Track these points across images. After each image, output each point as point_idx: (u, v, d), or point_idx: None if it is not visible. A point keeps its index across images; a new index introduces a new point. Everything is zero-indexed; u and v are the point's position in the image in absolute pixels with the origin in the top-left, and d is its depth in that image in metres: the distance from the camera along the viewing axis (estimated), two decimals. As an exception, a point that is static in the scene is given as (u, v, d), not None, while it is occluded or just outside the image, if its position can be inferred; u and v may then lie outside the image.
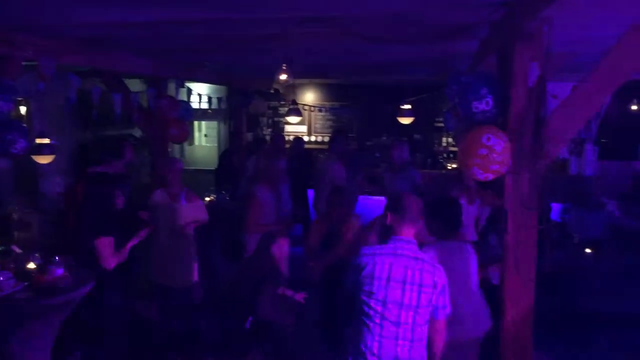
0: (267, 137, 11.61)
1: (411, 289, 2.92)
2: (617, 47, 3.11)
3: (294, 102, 9.31)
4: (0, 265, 3.91)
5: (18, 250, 4.27)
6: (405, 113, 8.55)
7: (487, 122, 3.40)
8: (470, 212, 5.62)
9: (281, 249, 5.16)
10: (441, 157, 11.28)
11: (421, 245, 3.33)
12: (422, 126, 11.06)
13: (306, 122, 11.96)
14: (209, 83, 10.34)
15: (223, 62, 7.40)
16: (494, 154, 3.19)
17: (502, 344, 3.51)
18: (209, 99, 8.60)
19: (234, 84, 9.70)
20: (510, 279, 3.42)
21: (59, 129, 7.62)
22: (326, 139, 11.84)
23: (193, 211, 5.21)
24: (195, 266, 5.24)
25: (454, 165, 10.49)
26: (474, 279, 3.74)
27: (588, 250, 6.34)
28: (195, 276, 5.25)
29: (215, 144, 12.97)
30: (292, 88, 11.33)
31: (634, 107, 8.99)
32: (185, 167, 5.62)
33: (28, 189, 7.31)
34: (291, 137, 10.02)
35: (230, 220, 6.84)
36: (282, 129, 11.94)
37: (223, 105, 10.49)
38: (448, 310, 3.09)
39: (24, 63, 4.77)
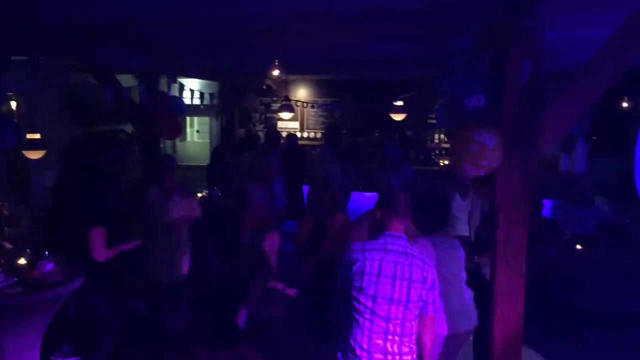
0: (260, 133, 11.60)
1: (401, 285, 2.93)
2: (609, 45, 3.12)
3: (287, 98, 9.31)
4: (-10, 260, 3.89)
5: (8, 246, 4.25)
6: (398, 109, 8.58)
7: (479, 119, 3.41)
8: (463, 207, 5.65)
9: (272, 243, 5.18)
10: (433, 153, 11.30)
11: (411, 240, 3.34)
12: (415, 122, 11.06)
13: (298, 118, 11.94)
14: (201, 79, 10.31)
15: (214, 57, 7.38)
16: (486, 150, 3.20)
17: (492, 338, 3.52)
18: (201, 94, 8.57)
19: (226, 79, 9.67)
20: (501, 274, 3.44)
21: (49, 124, 7.58)
22: (319, 135, 11.84)
23: (186, 208, 5.21)
24: (186, 261, 5.23)
25: (446, 162, 10.51)
26: (463, 274, 3.76)
27: (579, 247, 6.37)
28: (186, 270, 5.25)
29: (207, 140, 12.92)
30: (284, 84, 11.31)
31: (625, 105, 9.03)
32: (177, 163, 5.62)
33: (19, 184, 7.28)
34: (285, 134, 10.01)
35: (222, 216, 6.84)
36: (275, 125, 11.92)
37: (215, 101, 10.47)
38: (437, 305, 3.10)
39: (13, 58, 4.74)
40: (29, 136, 5.81)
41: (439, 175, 9.86)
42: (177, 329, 5.26)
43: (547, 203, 7.27)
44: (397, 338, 2.95)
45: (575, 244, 6.40)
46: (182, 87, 7.72)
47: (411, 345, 3.02)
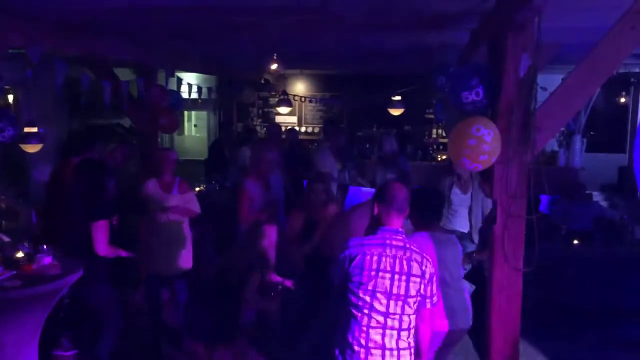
0: (258, 128, 11.59)
1: (400, 279, 2.93)
2: (606, 39, 3.13)
3: (285, 93, 9.30)
4: (-12, 254, 3.88)
5: (6, 239, 4.24)
6: (396, 104, 8.58)
7: (477, 113, 3.42)
8: (464, 202, 5.66)
9: (269, 237, 5.18)
10: (431, 148, 11.31)
11: (410, 235, 3.35)
12: (413, 117, 11.07)
13: (296, 113, 11.93)
14: (199, 73, 10.29)
15: (212, 51, 7.37)
16: (484, 145, 3.21)
17: (490, 332, 3.54)
18: (199, 88, 8.56)
19: (224, 74, 9.65)
20: (498, 269, 3.45)
21: (47, 118, 7.57)
22: (317, 129, 11.83)
23: (185, 202, 5.22)
24: (188, 255, 5.24)
25: (444, 157, 10.52)
26: (461, 270, 3.76)
27: (576, 242, 6.39)
28: (189, 264, 5.26)
29: (205, 134, 12.92)
30: (282, 78, 11.31)
31: (622, 100, 9.05)
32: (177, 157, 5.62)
33: (16, 178, 7.27)
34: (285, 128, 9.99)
35: (220, 210, 6.85)
36: (273, 120, 11.92)
37: (213, 95, 10.45)
38: (435, 299, 3.10)
39: (10, 50, 4.72)
40: (26, 130, 5.80)
41: (438, 170, 9.88)
42: (176, 323, 5.27)
43: (544, 198, 7.29)
44: (395, 333, 2.95)
45: (572, 239, 6.42)
46: (179, 81, 7.71)
47: (409, 339, 3.02)
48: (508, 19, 3.21)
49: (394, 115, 9.03)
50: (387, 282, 2.92)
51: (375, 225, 3.10)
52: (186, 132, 13.63)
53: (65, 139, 8.22)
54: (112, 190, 4.33)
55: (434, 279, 3.05)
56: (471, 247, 5.29)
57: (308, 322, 5.02)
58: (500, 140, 3.27)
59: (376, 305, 2.92)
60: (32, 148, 5.80)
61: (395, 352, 2.95)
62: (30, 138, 5.75)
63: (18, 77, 6.60)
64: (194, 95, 8.64)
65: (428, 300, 3.04)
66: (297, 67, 10.60)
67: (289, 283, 4.58)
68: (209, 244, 6.67)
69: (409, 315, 2.98)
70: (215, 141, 10.03)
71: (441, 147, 11.12)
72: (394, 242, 2.98)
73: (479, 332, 3.78)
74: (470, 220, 5.64)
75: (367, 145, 11.12)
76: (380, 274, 2.92)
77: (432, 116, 11.03)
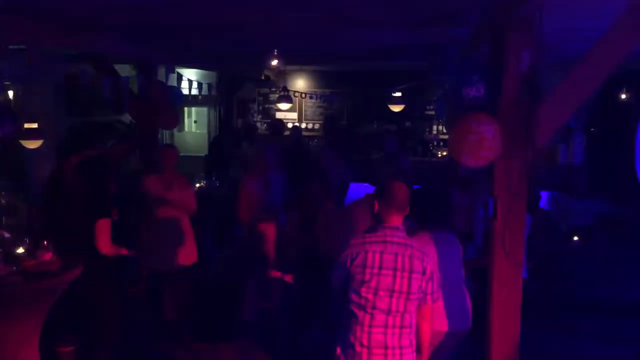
0: (258, 124, 11.58)
1: (402, 276, 2.93)
2: (608, 35, 3.12)
3: (285, 89, 9.29)
4: (-11, 249, 3.88)
5: (6, 235, 4.24)
6: (396, 100, 8.57)
7: (478, 109, 3.41)
8: (464, 201, 5.65)
9: (269, 234, 5.18)
10: (432, 144, 11.30)
11: (410, 234, 3.34)
12: (413, 114, 11.06)
13: (297, 109, 11.92)
14: (199, 69, 10.27)
15: (212, 47, 7.35)
16: (485, 141, 3.20)
17: (490, 328, 3.54)
18: (199, 85, 8.54)
19: (224, 70, 9.63)
20: (499, 264, 3.45)
21: (47, 114, 7.55)
22: (317, 126, 11.82)
23: (184, 198, 5.22)
24: (188, 251, 5.24)
25: (445, 153, 10.51)
26: (462, 271, 3.75)
27: (576, 238, 6.40)
28: (190, 260, 5.25)
29: (205, 131, 12.90)
30: (282, 74, 11.28)
31: (624, 97, 9.03)
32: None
33: (16, 174, 7.26)
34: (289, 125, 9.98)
35: (220, 207, 6.85)
36: (273, 116, 11.91)
37: (213, 92, 10.44)
38: (436, 297, 3.10)
39: (11, 47, 4.72)
40: (26, 125, 5.79)
41: (437, 167, 9.88)
42: (176, 319, 5.27)
43: (544, 195, 7.29)
44: (397, 330, 2.95)
45: (573, 236, 6.43)
46: (180, 77, 7.70)
47: (411, 337, 3.02)
48: (509, 15, 3.20)
49: (395, 112, 9.02)
50: (389, 279, 2.92)
51: (375, 223, 3.10)
52: (186, 129, 13.59)
53: (65, 135, 8.21)
54: (114, 190, 4.33)
55: (435, 275, 3.05)
56: (471, 247, 5.29)
57: (309, 320, 5.03)
58: (501, 136, 3.26)
59: (379, 302, 2.92)
60: (32, 144, 5.80)
61: (397, 351, 2.96)
62: (30, 134, 5.75)
63: (18, 73, 6.59)
64: (194, 92, 8.63)
65: (429, 297, 3.05)
66: (298, 63, 10.58)
67: (288, 278, 4.58)
68: (209, 240, 6.68)
69: (410, 312, 2.98)
70: (216, 137, 10.02)
71: (442, 143, 11.10)
72: (395, 240, 2.99)
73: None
74: (470, 220, 5.64)
75: (368, 142, 11.09)
76: (383, 271, 2.93)
77: (432, 112, 11.02)
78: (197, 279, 5.59)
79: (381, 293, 2.92)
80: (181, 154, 5.69)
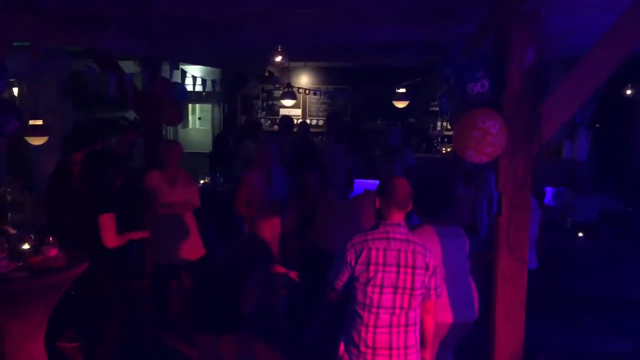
0: (262, 120, 11.57)
1: (405, 272, 2.93)
2: (613, 30, 3.10)
3: (289, 85, 9.29)
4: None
5: (12, 231, 4.26)
6: (401, 96, 8.56)
7: (482, 104, 3.40)
8: (467, 194, 5.64)
9: (273, 230, 5.19)
10: (436, 140, 11.26)
11: (412, 228, 3.33)
12: (417, 110, 11.04)
13: (301, 106, 11.91)
14: (203, 65, 10.28)
15: (215, 44, 7.35)
16: (489, 136, 3.19)
17: (494, 324, 3.54)
18: (203, 81, 8.55)
19: (228, 66, 9.63)
20: (503, 260, 3.45)
21: (51, 111, 7.58)
22: (321, 122, 11.81)
23: (188, 194, 5.23)
24: (192, 246, 5.25)
25: (449, 149, 10.49)
26: (467, 263, 3.75)
27: (581, 235, 6.38)
28: (195, 255, 5.27)
29: (209, 127, 12.92)
30: (286, 71, 11.27)
31: (629, 92, 8.99)
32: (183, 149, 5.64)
33: (21, 170, 7.29)
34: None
35: (223, 203, 6.85)
36: (277, 112, 11.90)
37: (217, 88, 10.44)
38: (440, 291, 3.10)
39: (15, 43, 4.72)
40: (31, 122, 5.82)
41: (441, 162, 9.86)
42: (179, 314, 5.29)
43: (549, 191, 7.27)
44: (402, 329, 2.94)
45: (578, 232, 6.42)
46: (184, 74, 7.71)
47: (416, 335, 3.02)
48: (514, 10, 3.18)
49: (399, 108, 9.00)
50: (393, 276, 2.92)
51: (377, 219, 3.10)
52: (190, 125, 13.64)
53: (69, 131, 8.24)
54: (120, 183, 4.33)
55: (437, 270, 3.05)
56: (475, 240, 5.28)
57: (311, 314, 5.04)
58: (506, 132, 3.25)
59: (383, 300, 2.91)
60: (37, 140, 5.82)
61: (402, 351, 2.95)
62: (35, 130, 5.77)
63: (23, 69, 6.60)
64: (198, 88, 8.64)
65: (432, 292, 3.04)
66: (302, 59, 10.56)
67: (293, 275, 4.59)
68: (213, 236, 6.69)
69: (414, 309, 2.98)
70: (220, 134, 10.03)
71: (446, 139, 11.08)
72: (397, 236, 2.98)
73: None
74: (474, 213, 5.63)
75: (372, 138, 11.07)
76: (387, 267, 2.92)
77: (437, 109, 10.97)
78: (200, 273, 5.60)
79: (385, 290, 2.92)
80: (185, 151, 5.71)
